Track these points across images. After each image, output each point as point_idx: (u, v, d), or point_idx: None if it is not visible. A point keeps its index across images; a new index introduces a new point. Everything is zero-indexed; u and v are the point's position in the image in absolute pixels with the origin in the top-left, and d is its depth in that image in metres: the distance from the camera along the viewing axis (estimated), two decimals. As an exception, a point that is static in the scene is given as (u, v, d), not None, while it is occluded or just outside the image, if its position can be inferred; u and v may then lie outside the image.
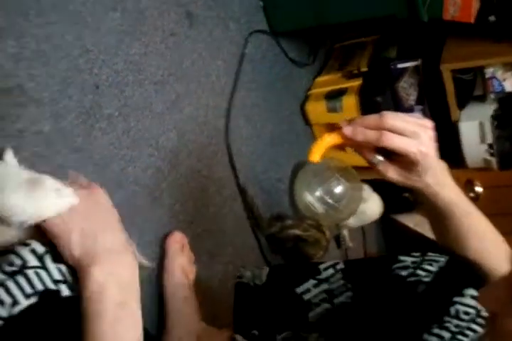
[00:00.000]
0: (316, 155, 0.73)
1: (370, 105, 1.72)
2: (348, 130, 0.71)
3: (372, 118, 0.70)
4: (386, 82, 1.77)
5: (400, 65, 1.78)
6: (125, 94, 1.01)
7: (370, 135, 0.70)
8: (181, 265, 1.08)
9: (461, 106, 1.76)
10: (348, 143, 0.74)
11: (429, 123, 0.73)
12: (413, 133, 0.70)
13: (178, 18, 1.20)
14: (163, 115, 1.11)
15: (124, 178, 0.98)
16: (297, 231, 1.50)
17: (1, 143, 0.76)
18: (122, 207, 0.96)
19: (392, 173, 0.75)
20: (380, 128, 0.70)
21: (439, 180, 0.75)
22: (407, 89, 1.78)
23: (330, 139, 0.73)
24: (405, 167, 0.74)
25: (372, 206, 1.65)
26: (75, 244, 0.63)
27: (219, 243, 1.27)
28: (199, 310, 1.07)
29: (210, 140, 1.28)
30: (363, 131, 0.70)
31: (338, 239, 1.85)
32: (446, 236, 0.84)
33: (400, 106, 1.76)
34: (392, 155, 0.74)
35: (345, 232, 1.85)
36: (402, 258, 0.88)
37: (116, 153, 0.97)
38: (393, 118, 0.70)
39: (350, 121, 0.72)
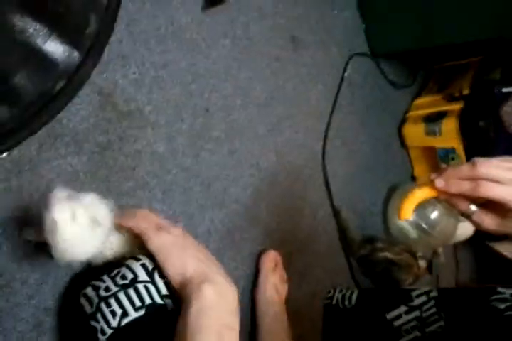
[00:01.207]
0: (407, 212, 0.72)
1: (471, 130, 1.69)
2: (440, 183, 0.70)
3: (464, 169, 0.69)
4: (489, 106, 1.72)
5: (505, 89, 1.72)
6: (232, 117, 1.06)
7: (465, 186, 0.68)
8: (274, 283, 1.10)
9: None
10: (440, 196, 0.72)
11: None
12: (510, 181, 0.69)
13: (283, 43, 1.25)
14: (265, 137, 1.15)
15: (226, 197, 1.03)
16: (388, 255, 1.49)
17: (120, 162, 0.83)
18: (224, 224, 1.02)
19: (488, 222, 0.72)
20: (474, 178, 0.68)
21: None
22: (511, 114, 1.72)
23: (421, 194, 0.72)
24: (502, 214, 0.71)
25: (464, 225, 1.61)
26: (189, 265, 0.66)
27: (310, 263, 1.28)
28: (289, 328, 1.09)
29: (307, 162, 1.31)
30: (456, 182, 0.69)
31: (429, 265, 1.81)
32: None
33: (503, 132, 1.71)
34: (487, 204, 0.72)
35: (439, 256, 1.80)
36: (500, 290, 0.86)
37: (221, 173, 1.02)
38: (487, 167, 0.68)
39: (440, 173, 0.71)
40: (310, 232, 1.31)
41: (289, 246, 1.22)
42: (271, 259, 1.11)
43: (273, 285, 1.10)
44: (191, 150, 0.95)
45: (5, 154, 0.69)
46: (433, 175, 0.71)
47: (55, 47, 0.61)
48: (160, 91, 0.91)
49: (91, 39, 0.65)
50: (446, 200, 0.72)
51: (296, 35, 1.30)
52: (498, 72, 1.84)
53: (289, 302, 1.16)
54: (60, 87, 0.63)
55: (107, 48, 0.79)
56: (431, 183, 0.71)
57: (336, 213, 1.40)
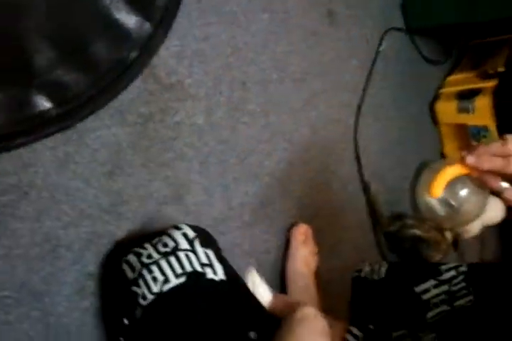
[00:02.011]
0: (438, 190, 0.72)
1: (505, 108, 1.67)
2: (471, 159, 0.70)
3: (496, 145, 0.69)
4: (524, 84, 1.70)
5: (542, 67, 1.70)
6: (268, 90, 1.07)
7: (497, 163, 0.69)
8: (304, 255, 1.12)
9: None
10: (472, 173, 0.72)
11: None
12: None
13: (320, 17, 1.24)
14: (300, 111, 1.16)
15: (260, 170, 1.05)
16: (417, 232, 1.49)
17: (161, 134, 0.85)
18: (257, 197, 1.04)
19: None
20: (506, 154, 0.69)
21: None
22: (547, 92, 1.69)
23: (452, 171, 0.72)
24: None
25: (494, 208, 1.61)
26: None
27: (340, 237, 1.30)
28: (318, 299, 1.12)
29: (340, 137, 1.31)
30: (488, 159, 0.69)
31: (455, 242, 1.82)
32: None
33: (537, 110, 1.69)
34: None
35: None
36: None
37: (256, 146, 1.04)
38: None
39: (471, 151, 0.71)
40: (340, 206, 1.32)
41: (320, 220, 1.24)
42: (302, 232, 1.13)
43: (303, 258, 1.12)
44: (228, 123, 0.97)
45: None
46: (464, 152, 0.71)
47: (128, 19, 0.64)
48: (200, 64, 0.92)
49: (161, 11, 0.67)
50: (478, 178, 0.73)
51: (333, 9, 1.29)
52: (535, 49, 1.81)
53: (318, 275, 1.18)
54: (133, 57, 0.65)
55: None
56: (462, 160, 0.71)
57: (366, 188, 1.40)
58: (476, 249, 2.06)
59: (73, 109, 0.64)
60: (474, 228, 1.67)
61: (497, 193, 0.74)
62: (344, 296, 1.15)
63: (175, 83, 0.87)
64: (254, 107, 1.04)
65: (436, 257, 1.53)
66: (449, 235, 1.62)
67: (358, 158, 1.38)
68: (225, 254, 0.95)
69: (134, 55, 0.66)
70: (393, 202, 1.53)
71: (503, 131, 1.67)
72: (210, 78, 0.94)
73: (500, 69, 1.76)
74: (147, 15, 0.66)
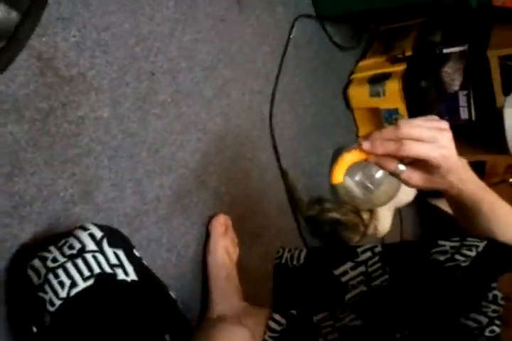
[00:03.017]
0: (338, 176, 0.73)
1: (413, 90, 1.72)
2: (367, 145, 0.71)
3: (389, 130, 0.71)
4: (430, 67, 1.76)
5: (446, 50, 1.76)
6: (177, 80, 1.04)
7: (390, 146, 0.71)
8: (225, 246, 1.12)
9: (507, 92, 1.73)
10: (369, 158, 0.74)
11: (445, 125, 0.73)
12: (431, 138, 0.71)
13: (228, 4, 1.23)
14: (212, 100, 1.15)
15: (174, 162, 1.02)
16: (336, 215, 1.53)
17: (63, 129, 0.81)
18: (172, 190, 1.02)
19: (416, 180, 0.76)
20: (398, 138, 0.70)
21: (461, 177, 0.76)
22: (452, 74, 1.76)
23: (350, 157, 0.73)
24: (428, 171, 0.75)
25: (405, 189, 1.66)
26: None
27: (261, 224, 1.31)
28: (241, 289, 1.12)
29: (255, 124, 1.31)
30: (382, 143, 0.71)
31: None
32: (477, 230, 0.85)
33: (443, 92, 1.76)
34: (413, 162, 0.75)
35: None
36: (441, 242, 0.89)
37: (168, 138, 1.01)
38: (409, 127, 0.70)
39: (367, 136, 0.72)
40: (259, 194, 1.32)
41: (240, 209, 1.23)
42: (221, 223, 1.12)
43: (224, 248, 1.11)
44: (137, 115, 0.94)
45: None
46: (361, 139, 0.73)
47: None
48: (103, 55, 0.88)
49: (28, 0, 0.62)
50: (376, 162, 0.74)
51: (241, -4, 1.27)
52: (440, 33, 1.88)
53: (242, 263, 1.18)
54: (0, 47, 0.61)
55: (45, 11, 0.76)
56: (359, 146, 0.72)
57: (284, 174, 1.42)
58: (396, 229, 2.14)
59: None
60: (387, 224, 1.72)
61: (396, 175, 0.76)
62: (268, 284, 1.15)
63: (76, 75, 0.83)
64: (165, 98, 1.01)
65: (355, 239, 1.57)
66: (367, 217, 1.67)
67: (274, 145, 1.38)
68: (142, 251, 0.93)
69: (0, 45, 0.62)
70: (312, 187, 1.55)
71: (413, 113, 1.74)
72: (115, 69, 0.90)
73: (408, 53, 1.82)
74: (13, 3, 0.61)
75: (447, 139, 0.73)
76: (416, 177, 0.76)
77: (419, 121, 0.73)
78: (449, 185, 0.77)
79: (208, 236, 1.11)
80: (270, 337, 0.94)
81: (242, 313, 1.07)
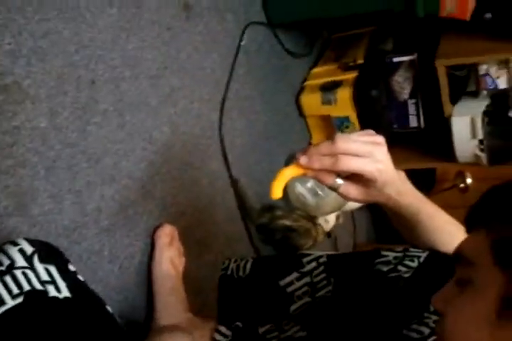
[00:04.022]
0: (277, 191, 0.73)
1: (364, 98, 1.74)
2: (304, 160, 0.71)
3: (325, 145, 0.71)
4: (381, 75, 1.78)
5: (396, 59, 1.79)
6: (121, 88, 1.02)
7: (326, 161, 0.71)
8: (170, 257, 1.10)
9: (454, 101, 1.78)
10: (307, 173, 0.74)
11: (380, 139, 0.74)
12: (367, 153, 0.71)
13: (175, 11, 1.21)
14: (158, 109, 1.13)
15: (116, 172, 1.00)
16: (287, 222, 1.52)
17: (-3, 140, 0.78)
18: (115, 200, 1.00)
19: (354, 193, 0.76)
20: (334, 153, 0.71)
21: (399, 189, 0.77)
22: (402, 83, 1.79)
23: (289, 172, 0.73)
24: (365, 185, 0.75)
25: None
26: None
27: (210, 233, 1.29)
28: (186, 300, 1.10)
29: (204, 132, 1.30)
30: (318, 159, 0.71)
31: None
32: (418, 240, 0.86)
33: (393, 100, 1.78)
34: (351, 176, 0.76)
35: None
36: (384, 253, 0.90)
37: (110, 148, 0.99)
38: (345, 142, 0.71)
39: (304, 152, 0.72)
40: (208, 203, 1.31)
41: (188, 218, 1.22)
42: (166, 233, 1.10)
43: (169, 260, 1.09)
44: (76, 125, 0.92)
45: None
46: (298, 154, 0.73)
47: None
48: (40, 63, 0.86)
49: None
50: (314, 176, 0.74)
51: (189, 2, 1.26)
52: (391, 42, 1.91)
53: (190, 273, 1.17)
54: None
55: (-26, 17, 0.74)
56: (297, 161, 0.72)
57: (234, 182, 1.41)
58: (350, 233, 2.16)
59: None
60: (331, 219, 1.72)
61: (334, 189, 0.76)
62: (216, 294, 1.14)
63: (10, 84, 0.80)
64: (106, 106, 0.99)
65: (308, 244, 1.57)
66: (320, 223, 1.67)
67: (224, 153, 1.37)
68: (82, 264, 0.91)
69: None
70: (264, 195, 1.54)
71: (363, 121, 1.76)
72: (53, 78, 0.88)
73: (360, 61, 1.84)
74: None
75: (382, 153, 0.74)
76: (353, 191, 0.77)
77: (355, 136, 0.73)
78: (387, 198, 0.78)
79: (153, 247, 1.09)
80: (216, 348, 0.93)
81: (187, 325, 1.06)
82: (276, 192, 0.73)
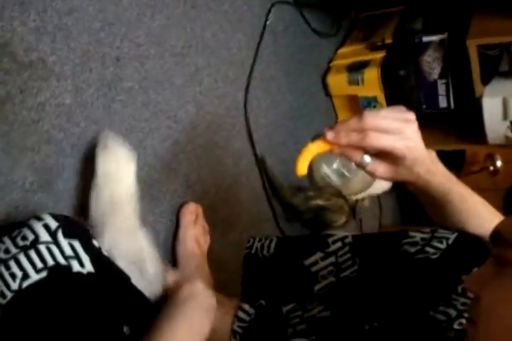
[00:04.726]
0: (303, 167, 0.72)
1: (392, 78, 1.71)
2: (331, 135, 0.70)
3: (353, 121, 0.70)
4: (410, 55, 1.75)
5: (425, 38, 1.75)
6: (146, 66, 1.02)
7: (354, 137, 0.70)
8: (194, 235, 1.10)
9: (486, 81, 1.73)
10: (334, 149, 0.73)
11: (411, 116, 0.73)
12: (396, 129, 0.70)
13: (200, -11, 1.20)
14: (183, 87, 1.13)
15: (141, 150, 1.01)
16: (320, 202, 1.51)
17: (22, 117, 0.79)
18: (139, 178, 1.00)
19: (382, 171, 0.75)
20: (363, 129, 0.70)
21: (429, 168, 0.76)
22: (431, 63, 1.75)
23: (314, 148, 0.72)
24: (394, 162, 0.74)
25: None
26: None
27: (234, 212, 1.29)
28: (211, 278, 1.11)
29: (229, 112, 1.29)
30: (345, 134, 0.70)
31: (353, 210, 1.87)
32: (447, 221, 0.85)
33: (422, 80, 1.75)
34: (380, 154, 0.74)
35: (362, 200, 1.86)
36: (411, 234, 0.89)
37: (135, 125, 1.00)
38: (374, 118, 0.70)
39: (332, 127, 0.71)
40: (233, 182, 1.31)
41: (212, 197, 1.22)
42: (191, 211, 1.11)
43: (194, 238, 1.10)
44: (101, 102, 0.92)
45: None
46: (325, 129, 0.71)
47: None
48: (65, 40, 0.86)
49: None
50: (341, 153, 0.73)
51: (215, -19, 1.25)
52: (420, 21, 1.86)
53: (215, 251, 1.17)
54: None
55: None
56: (323, 137, 0.71)
57: (261, 161, 1.40)
58: (375, 215, 2.14)
59: None
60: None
61: (362, 167, 0.75)
62: (240, 272, 1.15)
63: (35, 61, 0.81)
64: (131, 84, 0.99)
65: (342, 220, 1.56)
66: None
67: (249, 132, 1.37)
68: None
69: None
70: (289, 174, 1.54)
71: (391, 101, 1.73)
72: (78, 55, 0.88)
73: (388, 40, 1.81)
74: None
75: (412, 130, 0.72)
76: (382, 168, 0.75)
77: (384, 112, 0.72)
78: (416, 177, 0.77)
79: (177, 225, 1.10)
80: (239, 326, 0.94)
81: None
82: (302, 168, 0.72)
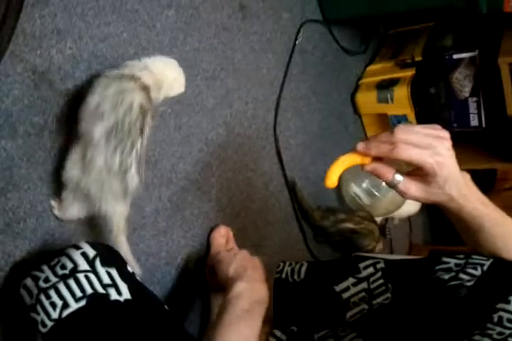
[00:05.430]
0: (333, 178, 0.71)
1: (422, 96, 1.69)
2: (361, 145, 0.70)
3: (385, 135, 0.69)
4: (440, 72, 1.72)
5: (456, 56, 1.73)
6: (178, 90, 1.02)
7: (383, 148, 0.69)
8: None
9: (518, 99, 1.70)
10: (365, 162, 0.72)
11: (445, 134, 0.71)
12: (428, 145, 0.69)
13: (231, 12, 1.21)
14: (214, 110, 1.13)
15: (174, 174, 1.01)
16: (350, 225, 1.50)
17: (59, 142, 0.79)
18: (172, 202, 1.00)
19: (414, 191, 0.73)
20: (392, 142, 0.68)
21: (463, 192, 0.74)
22: (462, 80, 1.73)
23: (345, 159, 0.72)
24: (425, 180, 0.72)
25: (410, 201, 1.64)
26: (232, 268, 0.88)
27: (265, 235, 1.28)
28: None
29: (258, 133, 1.29)
30: (376, 145, 0.69)
31: (383, 229, 1.84)
32: (481, 246, 0.82)
33: (453, 98, 1.72)
34: (411, 173, 0.73)
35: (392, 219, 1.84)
36: (445, 259, 0.86)
37: (168, 150, 1.00)
38: (406, 132, 0.68)
39: (363, 141, 0.71)
40: (263, 204, 1.30)
41: (243, 220, 1.21)
42: (221, 234, 1.10)
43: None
44: (135, 128, 0.92)
45: None
46: (358, 142, 0.71)
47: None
48: (100, 67, 0.87)
49: None
50: (372, 169, 0.72)
51: (245, 3, 1.25)
52: (450, 38, 1.84)
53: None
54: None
55: (39, 24, 0.75)
56: (354, 148, 0.71)
57: (291, 183, 1.39)
58: (406, 234, 2.11)
59: None
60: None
61: (392, 186, 0.74)
62: (271, 295, 1.13)
63: (71, 89, 0.81)
64: (164, 108, 0.99)
65: (371, 245, 1.54)
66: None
67: (279, 154, 1.36)
68: (140, 265, 0.91)
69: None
70: (318, 196, 1.53)
71: (421, 119, 1.71)
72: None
73: (418, 58, 1.79)
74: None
75: (445, 147, 0.70)
76: (413, 188, 0.73)
77: (418, 128, 0.71)
78: (449, 198, 0.74)
79: (208, 248, 1.09)
80: (271, 352, 0.92)
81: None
82: (332, 180, 0.71)
